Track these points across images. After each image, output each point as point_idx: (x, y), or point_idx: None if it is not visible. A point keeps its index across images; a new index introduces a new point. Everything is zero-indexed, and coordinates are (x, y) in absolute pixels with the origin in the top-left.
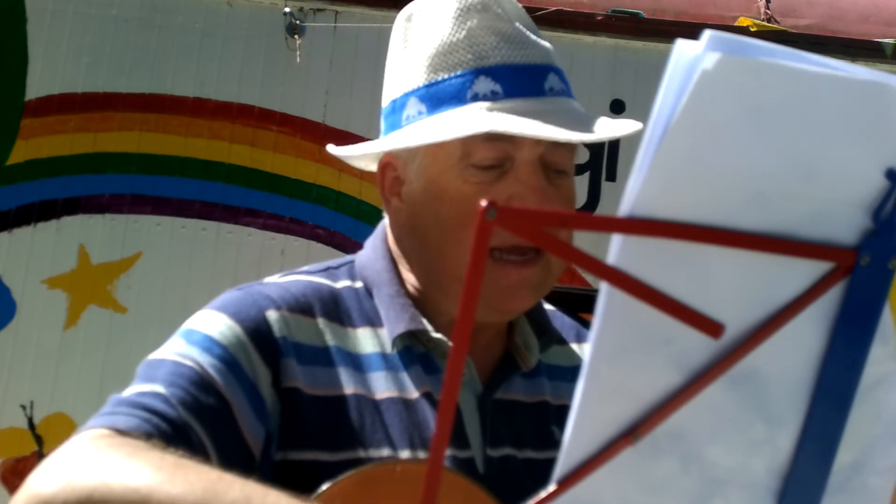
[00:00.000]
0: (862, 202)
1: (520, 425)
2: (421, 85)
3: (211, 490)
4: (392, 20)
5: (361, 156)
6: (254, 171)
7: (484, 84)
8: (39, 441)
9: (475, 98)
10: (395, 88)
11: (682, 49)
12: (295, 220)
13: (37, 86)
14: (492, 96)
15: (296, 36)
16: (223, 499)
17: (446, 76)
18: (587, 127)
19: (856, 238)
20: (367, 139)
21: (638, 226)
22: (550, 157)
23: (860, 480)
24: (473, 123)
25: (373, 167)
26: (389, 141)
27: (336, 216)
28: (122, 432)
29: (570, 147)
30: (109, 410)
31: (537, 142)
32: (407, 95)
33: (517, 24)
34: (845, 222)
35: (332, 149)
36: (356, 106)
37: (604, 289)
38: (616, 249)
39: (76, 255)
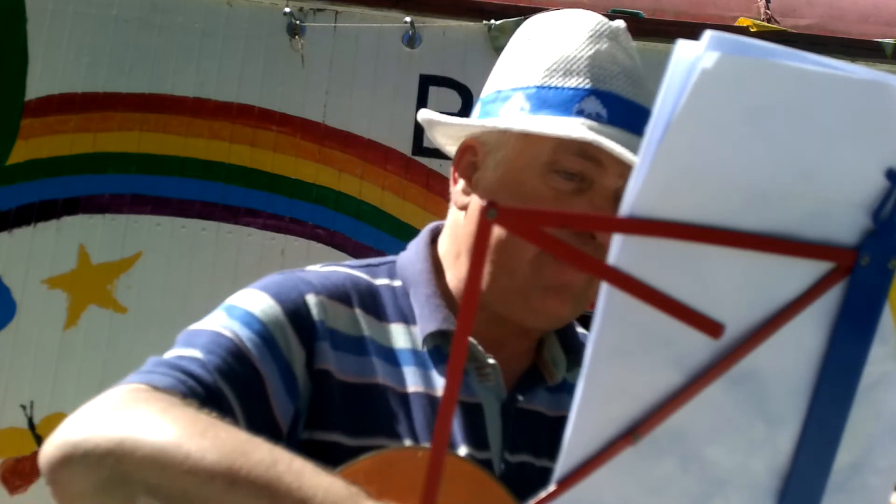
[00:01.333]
0: (862, 202)
1: (540, 435)
2: (533, 84)
3: (239, 448)
4: (392, 20)
5: (445, 130)
6: (254, 171)
7: (592, 104)
8: (39, 441)
9: (580, 113)
10: (505, 81)
11: (683, 49)
12: (295, 220)
13: (37, 86)
14: (596, 117)
15: (297, 36)
16: (250, 457)
17: (560, 84)
18: None
19: (856, 238)
20: (367, 139)
21: (638, 226)
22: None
23: (860, 480)
24: (580, 131)
25: (450, 147)
26: (502, 120)
27: (336, 216)
28: (158, 389)
29: None
30: (148, 369)
31: (621, 174)
32: (516, 90)
33: (639, 63)
34: (845, 222)
35: (425, 112)
36: (356, 106)
37: (604, 289)
38: (616, 249)
39: (76, 255)
